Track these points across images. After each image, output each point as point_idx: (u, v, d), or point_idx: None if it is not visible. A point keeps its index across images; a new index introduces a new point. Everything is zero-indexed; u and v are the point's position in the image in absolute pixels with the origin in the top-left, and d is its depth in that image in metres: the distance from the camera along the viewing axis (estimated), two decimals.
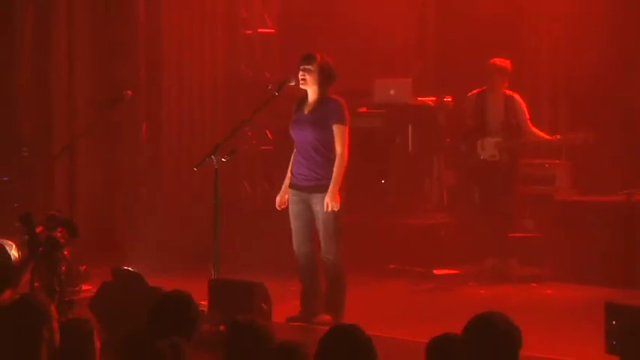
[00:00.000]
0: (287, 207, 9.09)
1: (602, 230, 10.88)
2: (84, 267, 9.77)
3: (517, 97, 11.20)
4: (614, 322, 7.46)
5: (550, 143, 11.30)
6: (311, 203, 8.98)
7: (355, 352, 4.77)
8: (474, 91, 11.37)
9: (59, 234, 7.99)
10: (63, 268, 7.87)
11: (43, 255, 7.72)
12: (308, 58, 8.96)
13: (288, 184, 9.10)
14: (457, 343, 5.25)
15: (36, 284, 7.78)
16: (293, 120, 9.15)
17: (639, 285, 9.65)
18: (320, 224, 8.95)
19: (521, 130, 11.19)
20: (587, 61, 11.73)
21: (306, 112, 9.04)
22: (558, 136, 11.24)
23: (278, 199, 9.15)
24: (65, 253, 7.95)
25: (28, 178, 11.71)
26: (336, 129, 8.93)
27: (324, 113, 8.97)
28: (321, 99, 8.99)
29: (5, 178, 11.65)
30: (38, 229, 7.81)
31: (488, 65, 11.17)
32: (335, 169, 8.83)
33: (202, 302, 8.51)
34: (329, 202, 8.77)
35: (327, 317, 8.85)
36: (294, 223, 9.07)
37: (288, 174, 9.14)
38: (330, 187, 8.78)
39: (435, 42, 12.30)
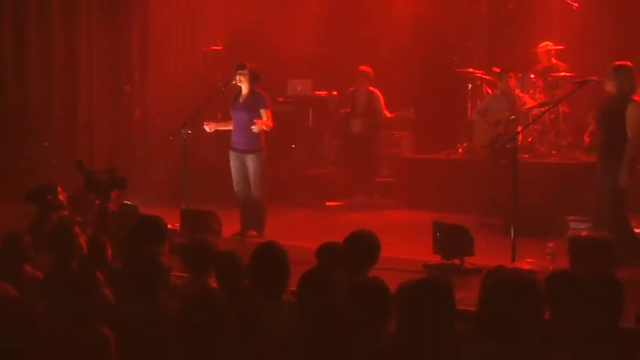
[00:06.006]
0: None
1: (432, 176, 11.02)
2: (98, 201, 9.60)
3: (377, 91, 11.26)
4: (438, 234, 7.60)
5: (391, 119, 11.41)
6: (245, 160, 8.99)
7: (274, 260, 4.76)
8: (351, 88, 11.42)
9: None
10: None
11: (105, 190, 7.60)
12: (242, 66, 8.95)
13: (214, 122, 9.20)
14: (336, 247, 5.30)
15: (66, 212, 7.60)
16: (233, 106, 9.13)
17: (454, 210, 9.63)
18: (251, 173, 8.97)
19: (377, 113, 11.27)
20: (423, 65, 11.86)
21: (241, 101, 9.03)
22: (393, 114, 11.31)
23: (207, 124, 9.18)
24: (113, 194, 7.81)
25: (60, 144, 11.49)
26: (263, 112, 8.95)
27: (254, 102, 8.97)
28: (252, 92, 8.98)
29: (45, 144, 11.43)
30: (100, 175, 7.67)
31: (358, 71, 11.23)
32: (265, 128, 8.89)
33: (176, 225, 8.48)
34: (257, 123, 8.74)
35: (254, 233, 8.90)
36: (234, 173, 9.10)
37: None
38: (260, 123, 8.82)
39: (325, 55, 12.29)
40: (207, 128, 9.18)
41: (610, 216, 7.39)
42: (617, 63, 7.50)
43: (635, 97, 7.32)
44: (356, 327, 3.77)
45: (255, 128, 8.78)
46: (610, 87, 7.43)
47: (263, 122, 8.83)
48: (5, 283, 4.88)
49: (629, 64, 7.45)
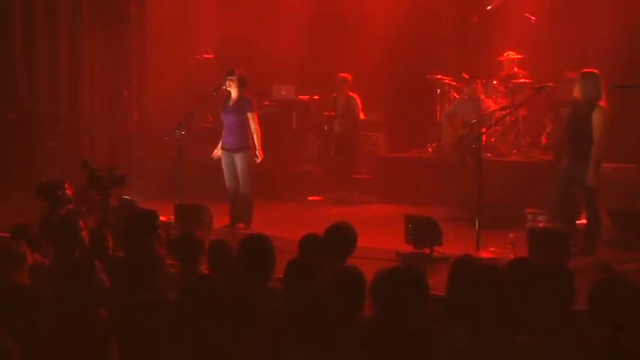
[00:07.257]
0: (220, 159, 9.06)
1: (405, 173, 11.00)
2: (99, 197, 9.56)
3: (355, 96, 11.29)
4: (410, 226, 7.62)
5: (364, 121, 11.43)
6: (234, 158, 8.98)
7: (261, 250, 4.75)
8: (333, 94, 11.45)
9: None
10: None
11: (106, 187, 7.55)
12: (231, 72, 8.95)
13: (220, 146, 9.07)
14: (318, 238, 5.30)
15: (71, 205, 7.56)
16: (223, 109, 9.13)
17: (425, 204, 9.60)
18: (240, 171, 8.97)
19: (355, 116, 11.28)
20: (397, 72, 11.87)
21: (230, 104, 9.02)
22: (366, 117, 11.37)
23: (214, 153, 9.13)
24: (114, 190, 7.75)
25: (65, 143, 11.43)
26: (250, 115, 8.95)
27: (242, 106, 8.96)
28: (240, 97, 8.98)
29: (52, 144, 11.37)
30: (101, 173, 7.61)
31: (338, 77, 11.25)
32: (256, 139, 8.86)
33: (171, 217, 8.46)
34: (259, 156, 8.82)
35: (242, 225, 8.89)
36: (225, 170, 9.08)
37: (220, 142, 9.10)
38: (257, 149, 8.83)
39: (308, 63, 12.29)
40: (216, 156, 9.14)
41: (587, 208, 7.49)
42: (584, 70, 7.51)
43: (601, 103, 7.36)
44: (339, 313, 3.77)
45: (258, 160, 8.84)
46: (576, 92, 7.46)
47: (260, 149, 8.84)
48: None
49: (596, 71, 7.45)
